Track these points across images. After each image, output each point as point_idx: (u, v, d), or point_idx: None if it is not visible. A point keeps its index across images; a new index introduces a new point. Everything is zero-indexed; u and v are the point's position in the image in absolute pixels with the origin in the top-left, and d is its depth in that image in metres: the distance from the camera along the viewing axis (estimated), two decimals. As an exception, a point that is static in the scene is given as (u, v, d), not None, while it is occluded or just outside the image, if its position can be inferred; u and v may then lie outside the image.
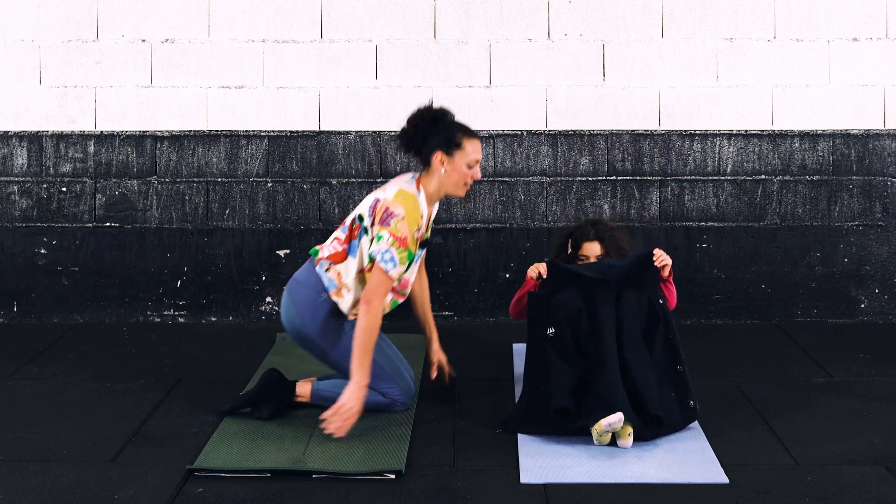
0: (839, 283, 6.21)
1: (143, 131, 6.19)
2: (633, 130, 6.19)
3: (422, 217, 4.42)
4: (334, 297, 4.48)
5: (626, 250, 4.80)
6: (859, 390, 4.95)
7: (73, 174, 6.20)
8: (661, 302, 4.51)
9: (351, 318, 4.51)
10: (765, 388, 4.98)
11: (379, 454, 4.10)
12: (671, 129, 6.19)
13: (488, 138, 6.13)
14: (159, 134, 6.19)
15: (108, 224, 6.21)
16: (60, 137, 6.19)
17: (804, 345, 5.72)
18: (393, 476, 3.93)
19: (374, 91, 6.17)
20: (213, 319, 6.22)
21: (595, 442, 4.21)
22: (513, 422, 4.41)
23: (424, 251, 4.61)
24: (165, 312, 6.21)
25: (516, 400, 4.67)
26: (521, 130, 6.19)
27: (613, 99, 6.18)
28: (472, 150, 4.47)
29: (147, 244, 6.21)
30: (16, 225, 6.20)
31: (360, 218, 4.48)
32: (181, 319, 6.22)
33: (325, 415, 4.23)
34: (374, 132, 6.18)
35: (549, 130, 6.19)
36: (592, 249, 4.76)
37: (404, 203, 4.37)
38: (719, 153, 6.19)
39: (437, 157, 4.45)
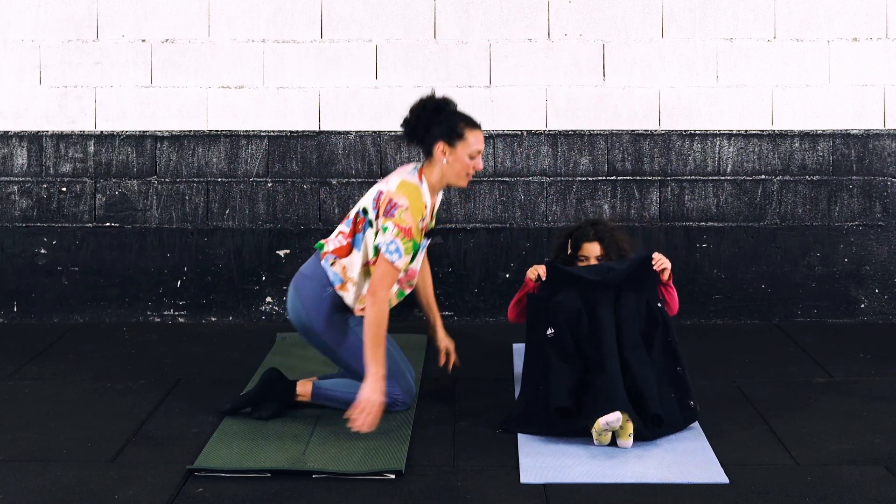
0: (839, 283, 6.21)
1: (143, 131, 6.19)
2: (633, 130, 6.19)
3: (425, 207, 4.43)
4: (339, 292, 4.49)
5: (626, 251, 4.80)
6: (859, 390, 4.95)
7: (73, 174, 6.20)
8: (659, 305, 4.52)
9: (358, 313, 4.51)
10: (765, 388, 4.98)
11: (379, 454, 4.10)
12: (671, 129, 6.19)
13: (488, 138, 6.13)
14: (159, 134, 6.19)
15: (108, 224, 6.21)
16: (60, 137, 6.19)
17: (804, 345, 5.72)
18: (393, 476, 3.93)
19: (374, 91, 6.17)
20: (213, 319, 6.22)
21: (595, 442, 4.21)
22: (512, 422, 4.41)
23: (429, 241, 4.62)
24: (165, 312, 6.21)
25: (515, 400, 4.67)
26: (521, 130, 6.19)
27: (613, 99, 6.18)
28: (475, 141, 4.47)
29: (147, 244, 6.21)
30: (16, 225, 6.20)
31: (364, 211, 4.49)
32: (181, 319, 6.22)
33: (349, 414, 4.21)
34: (374, 132, 6.18)
35: (549, 130, 6.19)
36: (592, 250, 4.76)
37: (407, 194, 4.37)
38: (719, 153, 6.19)
39: (439, 147, 4.45)
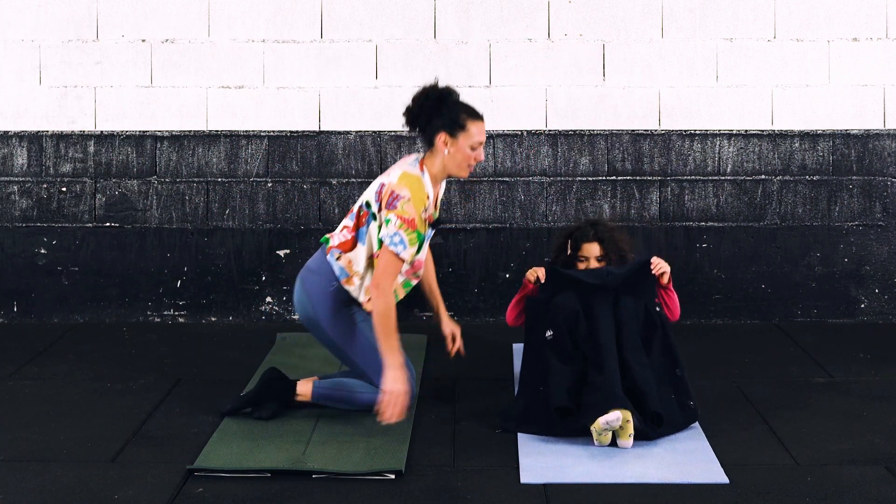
0: (839, 283, 6.21)
1: (143, 131, 6.19)
2: (633, 130, 6.19)
3: (427, 198, 4.43)
4: (345, 286, 4.49)
5: (626, 251, 4.80)
6: (859, 390, 4.95)
7: (73, 174, 6.20)
8: (657, 310, 4.53)
9: (365, 305, 4.51)
10: (765, 388, 4.98)
11: (379, 454, 4.10)
12: (671, 129, 6.19)
13: (488, 138, 6.12)
14: (159, 134, 6.19)
15: (108, 224, 6.21)
16: (60, 137, 6.19)
17: (804, 345, 5.71)
18: (393, 476, 3.93)
19: (374, 91, 6.17)
20: (213, 319, 6.22)
21: (595, 442, 4.21)
22: (512, 421, 4.42)
23: (433, 231, 4.62)
24: (165, 312, 6.21)
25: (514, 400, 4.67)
26: (521, 130, 6.19)
27: (613, 99, 6.18)
28: (476, 132, 4.46)
29: (147, 244, 6.21)
30: (16, 225, 6.20)
31: (367, 204, 4.49)
32: (181, 319, 6.22)
33: (378, 409, 4.24)
34: (374, 132, 6.18)
35: (549, 130, 6.19)
36: (592, 250, 4.76)
37: (409, 185, 4.37)
38: (719, 153, 6.19)
39: (441, 137, 4.45)
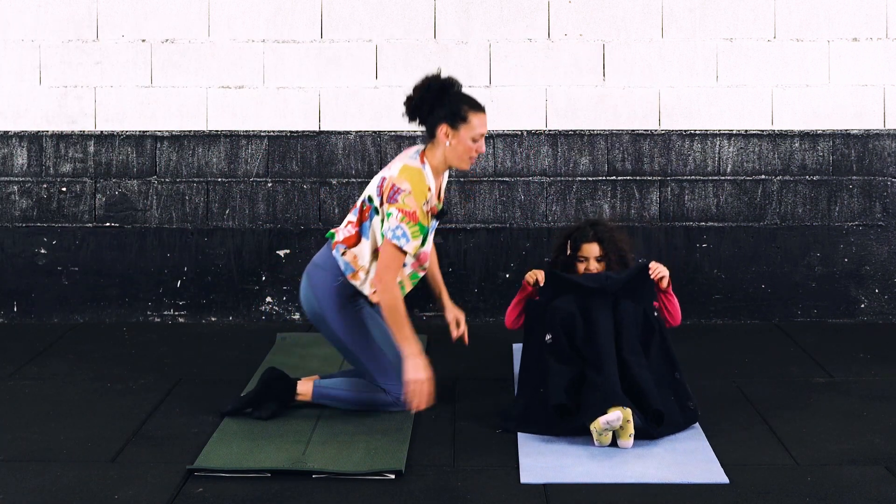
0: (839, 283, 6.21)
1: (143, 131, 6.19)
2: (633, 130, 6.19)
3: (429, 190, 4.42)
4: (352, 281, 4.50)
5: (626, 251, 4.81)
6: (859, 390, 4.95)
7: (73, 174, 6.20)
8: (655, 314, 4.54)
9: (372, 298, 4.51)
10: (765, 388, 4.98)
11: (379, 454, 4.10)
12: (671, 129, 6.19)
13: (488, 138, 6.12)
14: (159, 134, 6.19)
15: (108, 224, 6.21)
16: (60, 137, 6.19)
17: (804, 345, 5.71)
18: (393, 476, 3.93)
19: (374, 91, 6.17)
20: (213, 319, 6.22)
21: (595, 442, 4.20)
22: (512, 421, 4.42)
23: (437, 223, 4.61)
24: (165, 312, 6.21)
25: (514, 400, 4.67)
26: (521, 130, 6.19)
27: (613, 99, 6.18)
28: (478, 124, 4.45)
29: (147, 244, 6.21)
30: (16, 225, 6.20)
31: (370, 199, 4.49)
32: (181, 319, 6.22)
33: (405, 398, 4.31)
34: (374, 132, 6.18)
35: (549, 130, 6.19)
36: (592, 250, 4.76)
37: (409, 178, 4.37)
38: (719, 153, 6.19)
39: (442, 129, 4.44)
